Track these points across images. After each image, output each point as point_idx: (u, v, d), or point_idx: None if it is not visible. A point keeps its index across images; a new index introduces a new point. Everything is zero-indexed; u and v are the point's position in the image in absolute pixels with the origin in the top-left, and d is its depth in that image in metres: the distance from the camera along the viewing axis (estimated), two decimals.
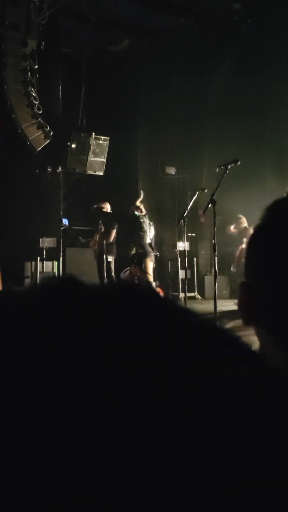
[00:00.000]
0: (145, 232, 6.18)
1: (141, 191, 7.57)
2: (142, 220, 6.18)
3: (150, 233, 6.45)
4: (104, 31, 9.68)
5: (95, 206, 6.74)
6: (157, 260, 9.96)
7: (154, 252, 6.23)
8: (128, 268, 9.98)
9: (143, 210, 6.46)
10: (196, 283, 9.50)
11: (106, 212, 6.77)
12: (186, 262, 5.84)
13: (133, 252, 6.17)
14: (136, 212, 6.23)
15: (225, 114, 9.58)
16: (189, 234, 10.18)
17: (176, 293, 9.37)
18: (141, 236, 6.12)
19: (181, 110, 10.65)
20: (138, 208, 6.42)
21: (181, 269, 9.19)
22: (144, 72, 10.36)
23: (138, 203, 6.55)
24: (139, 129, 10.52)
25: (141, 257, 6.02)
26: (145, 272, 5.93)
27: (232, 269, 8.04)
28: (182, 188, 10.31)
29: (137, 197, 6.74)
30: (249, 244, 0.69)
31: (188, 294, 5.80)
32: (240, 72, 9.30)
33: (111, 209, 7.69)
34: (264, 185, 8.64)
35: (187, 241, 9.80)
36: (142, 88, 10.47)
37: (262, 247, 0.67)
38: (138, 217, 6.16)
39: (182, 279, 6.03)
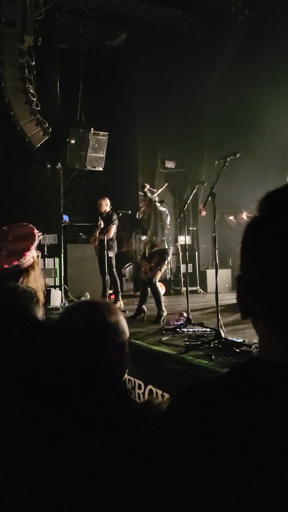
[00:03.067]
0: (168, 227, 6.15)
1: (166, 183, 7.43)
2: (166, 214, 6.11)
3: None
4: (101, 26, 9.64)
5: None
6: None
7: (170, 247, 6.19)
8: (130, 263, 10.02)
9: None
10: (198, 277, 9.51)
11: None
12: (187, 256, 5.82)
13: (155, 248, 5.98)
14: (161, 207, 6.10)
15: (224, 107, 9.54)
16: (190, 228, 10.21)
17: (178, 287, 9.39)
18: (167, 232, 6.06)
19: (179, 104, 10.62)
20: (162, 202, 6.32)
21: (183, 263, 9.20)
22: (142, 66, 10.33)
23: (155, 195, 6.44)
24: (138, 123, 10.50)
25: (162, 253, 5.94)
26: (159, 268, 5.86)
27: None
28: (182, 182, 10.30)
29: (158, 187, 6.61)
30: (244, 238, 0.69)
31: (190, 288, 5.80)
32: (238, 63, 9.25)
33: (111, 204, 7.69)
34: (265, 176, 8.62)
35: (188, 235, 9.82)
36: (140, 82, 10.44)
37: (256, 241, 0.67)
38: (162, 213, 6.07)
39: (183, 273, 6.01)
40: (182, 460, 0.65)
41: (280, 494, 0.58)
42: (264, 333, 0.68)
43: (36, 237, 2.24)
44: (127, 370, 1.45)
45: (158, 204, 6.04)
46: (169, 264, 6.04)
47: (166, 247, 5.94)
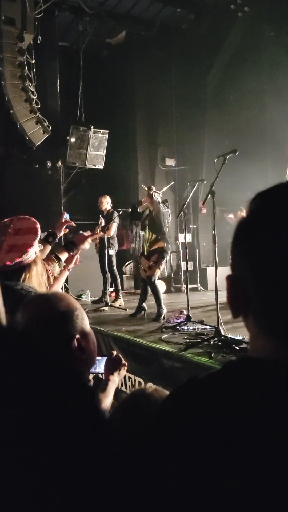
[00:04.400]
0: (168, 227, 6.16)
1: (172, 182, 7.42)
2: (169, 214, 6.12)
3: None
4: (101, 23, 9.62)
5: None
6: None
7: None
8: (131, 261, 10.02)
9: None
10: (198, 275, 9.51)
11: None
12: (187, 254, 5.83)
13: (154, 246, 5.98)
14: (164, 208, 6.10)
15: (224, 104, 9.53)
16: (190, 226, 10.21)
17: (179, 285, 9.40)
18: (167, 230, 6.07)
19: (179, 101, 10.61)
20: (165, 201, 6.33)
21: (183, 261, 9.21)
22: (141, 64, 10.31)
23: (160, 192, 6.44)
24: (138, 121, 10.48)
25: (161, 252, 5.94)
26: (158, 266, 5.87)
27: None
28: (182, 180, 10.30)
29: (160, 185, 6.62)
30: (234, 237, 0.70)
31: (190, 286, 5.80)
32: (238, 61, 9.23)
33: (112, 202, 7.70)
34: (265, 174, 8.60)
35: (188, 232, 9.82)
36: (140, 80, 10.42)
37: (246, 241, 0.68)
38: (164, 214, 6.08)
39: (184, 271, 6.01)
40: (175, 457, 0.67)
41: (271, 492, 0.59)
42: (255, 332, 0.69)
43: (39, 231, 2.22)
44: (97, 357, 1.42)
45: (161, 206, 6.04)
46: (167, 263, 6.01)
47: (165, 245, 5.94)
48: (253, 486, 0.60)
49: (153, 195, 6.02)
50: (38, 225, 2.17)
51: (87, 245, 2.70)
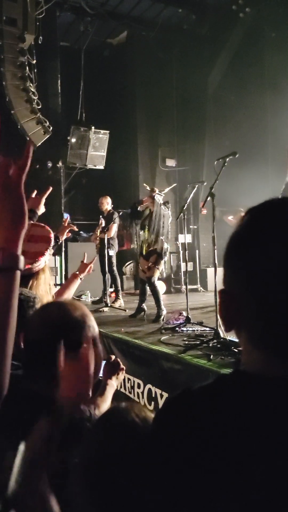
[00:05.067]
0: (169, 227, 6.15)
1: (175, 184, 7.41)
2: (169, 216, 6.13)
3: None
4: (102, 24, 9.63)
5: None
6: None
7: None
8: (131, 261, 10.03)
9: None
10: (198, 275, 9.52)
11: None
12: (187, 255, 5.83)
13: (153, 247, 5.99)
14: (165, 210, 6.11)
15: (225, 105, 9.53)
16: (191, 227, 10.21)
17: (179, 286, 9.41)
18: (167, 231, 6.07)
19: (180, 102, 10.61)
20: (166, 203, 6.33)
21: (183, 261, 9.22)
22: (142, 64, 10.31)
23: (163, 192, 6.44)
24: (138, 121, 10.48)
25: (162, 252, 5.94)
26: (157, 267, 5.87)
27: None
28: (183, 180, 10.30)
29: (161, 185, 6.62)
30: (226, 252, 0.71)
31: (191, 287, 5.81)
32: (239, 61, 9.23)
33: (112, 202, 7.71)
34: (265, 176, 8.60)
35: (188, 233, 9.82)
36: (141, 80, 10.42)
37: (235, 256, 0.69)
38: (167, 214, 6.08)
39: (183, 272, 6.01)
40: (169, 469, 0.67)
41: (262, 503, 0.60)
42: (247, 346, 0.70)
43: (52, 241, 2.23)
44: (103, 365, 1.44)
45: (162, 208, 6.05)
46: (166, 263, 6.01)
47: (164, 246, 5.94)
48: (243, 499, 0.60)
49: (155, 197, 6.03)
50: (52, 235, 2.17)
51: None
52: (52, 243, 2.16)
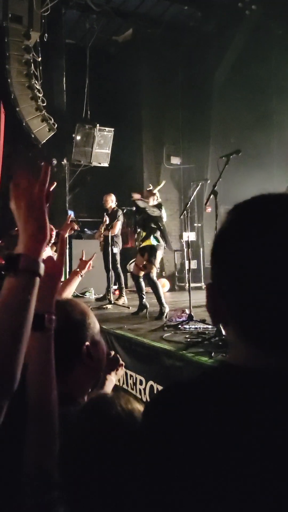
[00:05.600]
0: (163, 225, 6.15)
1: (164, 180, 7.51)
2: (156, 210, 6.12)
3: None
4: (107, 21, 9.63)
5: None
6: (164, 251, 10.00)
7: (165, 244, 6.19)
8: (135, 259, 10.04)
9: (159, 199, 6.37)
10: (202, 273, 9.51)
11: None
12: (190, 253, 5.83)
13: (144, 243, 6.04)
14: (152, 202, 6.14)
15: (231, 103, 9.49)
16: (195, 224, 10.21)
17: (183, 284, 9.41)
18: (160, 229, 6.07)
19: (186, 99, 10.59)
20: (154, 194, 6.33)
21: (187, 259, 9.22)
22: (148, 62, 10.29)
23: (155, 191, 6.46)
24: (143, 119, 10.48)
25: (154, 249, 5.96)
26: (152, 264, 5.90)
27: None
28: (187, 178, 10.29)
29: (157, 184, 6.66)
30: (213, 247, 0.72)
31: (194, 285, 5.80)
32: (245, 59, 9.19)
33: (116, 200, 7.71)
34: (270, 174, 8.58)
35: (193, 231, 9.81)
36: (146, 78, 10.41)
37: (221, 251, 0.70)
38: (158, 216, 6.10)
39: (187, 270, 6.03)
40: (156, 461, 0.68)
41: (247, 495, 0.61)
42: (233, 339, 0.71)
43: (53, 237, 2.26)
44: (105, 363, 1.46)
45: (149, 211, 6.08)
46: (169, 261, 6.05)
47: (154, 243, 5.97)
48: (231, 490, 0.61)
49: (137, 203, 6.10)
50: (54, 232, 2.20)
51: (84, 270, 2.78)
52: (53, 238, 2.19)
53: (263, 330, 0.66)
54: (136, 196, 6.25)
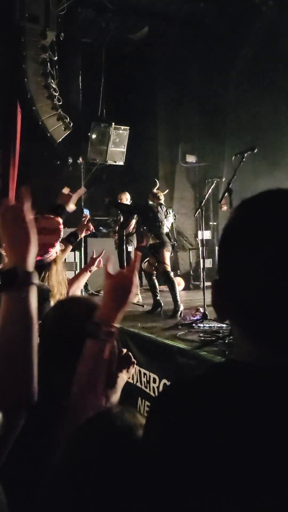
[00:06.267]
0: (161, 222, 6.14)
1: (156, 179, 7.58)
2: (157, 210, 6.14)
3: (167, 223, 6.40)
4: (123, 20, 9.62)
5: (108, 199, 6.80)
6: (180, 250, 9.97)
7: (171, 242, 6.19)
8: (148, 258, 10.04)
9: (161, 197, 6.39)
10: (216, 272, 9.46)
11: (119, 203, 6.80)
12: (204, 251, 5.81)
13: (151, 242, 6.15)
14: (150, 202, 6.20)
15: (247, 101, 9.41)
16: (210, 223, 10.15)
17: (198, 282, 9.37)
18: (157, 226, 6.10)
19: (201, 97, 10.51)
20: (155, 196, 6.36)
21: (202, 258, 9.18)
22: (163, 60, 10.27)
23: (155, 190, 6.50)
24: (159, 117, 10.45)
25: (158, 247, 5.99)
26: (162, 262, 5.92)
27: None
28: (203, 177, 10.24)
29: (153, 185, 6.72)
30: (219, 243, 0.71)
31: (208, 283, 5.77)
32: (261, 56, 9.10)
33: (131, 199, 7.72)
34: (286, 172, 8.48)
35: (208, 230, 9.75)
36: (161, 76, 10.38)
37: (227, 248, 0.69)
38: (151, 207, 6.13)
39: (202, 268, 6.01)
40: (163, 458, 0.68)
41: (253, 491, 0.60)
42: (239, 336, 0.70)
43: (62, 232, 2.27)
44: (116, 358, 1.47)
45: (157, 207, 6.13)
46: (184, 259, 6.09)
47: (157, 241, 6.01)
48: (237, 491, 0.61)
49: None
50: (62, 226, 2.22)
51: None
52: (62, 234, 2.20)
53: (266, 328, 0.65)
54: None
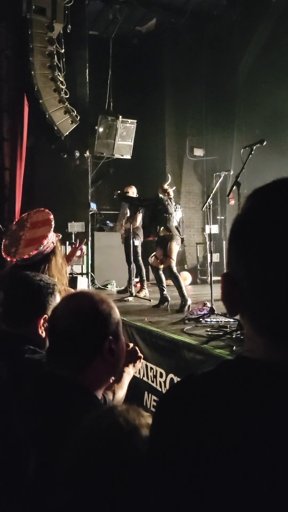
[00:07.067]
0: (170, 214, 6.10)
1: (169, 174, 7.54)
2: (167, 203, 6.10)
3: (176, 216, 6.36)
4: (130, 11, 9.54)
5: (118, 192, 6.79)
6: (187, 244, 9.93)
7: (180, 235, 6.15)
8: (155, 252, 10.02)
9: (171, 193, 6.36)
10: (225, 267, 9.42)
11: (129, 197, 6.78)
12: (212, 246, 5.77)
13: (160, 234, 6.11)
14: (160, 195, 6.16)
15: (256, 93, 9.31)
16: (218, 217, 10.10)
17: (205, 277, 9.34)
18: (167, 218, 6.06)
19: (209, 90, 10.44)
20: (165, 191, 6.33)
21: (209, 252, 9.15)
22: (171, 52, 10.19)
23: (165, 186, 6.47)
24: (166, 111, 10.39)
25: (168, 239, 5.96)
26: (169, 256, 5.88)
27: None
28: (210, 170, 10.18)
29: (165, 180, 6.69)
30: (229, 235, 0.68)
31: (216, 278, 5.74)
32: (270, 48, 8.99)
33: (138, 192, 7.68)
34: None
35: (216, 224, 9.71)
36: (169, 68, 10.31)
37: (238, 240, 0.66)
38: (162, 200, 6.09)
39: (209, 263, 5.97)
40: (171, 456, 0.66)
41: (266, 489, 0.58)
42: (249, 331, 0.67)
43: (53, 222, 2.26)
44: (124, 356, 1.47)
45: (167, 201, 6.09)
46: (191, 253, 6.01)
47: (167, 233, 5.97)
48: (246, 487, 0.59)
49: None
50: (52, 216, 2.21)
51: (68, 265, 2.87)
52: (53, 223, 2.19)
53: (277, 323, 0.62)
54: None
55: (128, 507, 0.74)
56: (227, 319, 4.74)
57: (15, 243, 2.14)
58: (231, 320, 4.65)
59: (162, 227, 6.00)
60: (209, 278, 5.73)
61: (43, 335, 1.73)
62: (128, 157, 9.67)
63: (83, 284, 7.78)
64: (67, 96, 8.35)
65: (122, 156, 9.64)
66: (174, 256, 5.92)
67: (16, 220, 2.30)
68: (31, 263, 2.16)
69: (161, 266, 6.10)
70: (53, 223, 2.18)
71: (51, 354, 1.34)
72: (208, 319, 4.88)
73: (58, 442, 0.90)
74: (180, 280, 5.84)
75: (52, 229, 2.15)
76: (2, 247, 2.16)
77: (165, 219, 6.01)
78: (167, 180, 6.73)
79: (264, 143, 4.18)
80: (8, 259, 2.11)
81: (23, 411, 1.25)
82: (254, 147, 4.18)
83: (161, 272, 6.13)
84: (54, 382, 1.25)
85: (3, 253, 2.14)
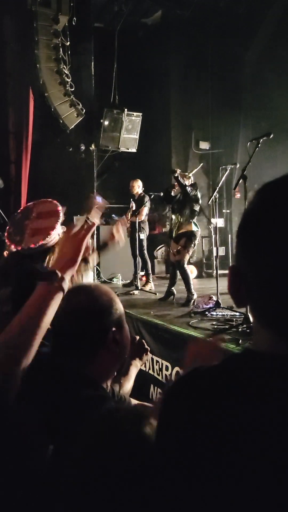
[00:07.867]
0: (197, 210, 6.03)
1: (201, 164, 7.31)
2: (198, 198, 6.00)
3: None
4: (136, 3, 9.47)
5: (179, 171, 6.26)
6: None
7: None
8: (162, 245, 10.01)
9: (192, 182, 6.24)
10: (230, 260, 9.40)
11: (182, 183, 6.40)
12: (218, 239, 5.75)
13: (182, 229, 5.91)
14: (192, 191, 5.99)
15: (262, 86, 9.24)
16: (223, 211, 10.06)
17: (210, 270, 9.33)
18: (196, 213, 5.96)
19: (215, 83, 10.35)
20: (187, 178, 6.20)
21: (215, 246, 9.13)
22: (177, 44, 10.10)
23: (190, 174, 6.35)
24: (172, 104, 10.33)
25: (194, 235, 5.88)
26: (186, 251, 5.82)
27: None
28: (216, 163, 10.12)
29: (192, 168, 6.54)
30: (238, 228, 0.69)
31: (221, 272, 5.74)
32: (277, 40, 8.90)
33: (143, 186, 7.67)
34: None
35: (222, 217, 9.68)
36: (175, 61, 10.22)
37: (245, 233, 0.66)
38: (196, 184, 5.97)
39: (215, 256, 5.95)
40: (178, 450, 0.67)
41: (270, 483, 0.58)
42: (256, 325, 0.68)
43: (61, 214, 2.26)
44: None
45: (189, 189, 5.94)
46: (196, 246, 5.93)
47: (194, 229, 5.87)
48: (254, 481, 0.59)
49: (178, 178, 5.93)
50: (60, 208, 2.19)
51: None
52: (61, 216, 2.17)
53: (281, 316, 0.62)
54: (179, 170, 6.14)
55: (133, 501, 0.75)
56: (232, 313, 4.74)
57: (20, 232, 2.13)
58: (237, 313, 4.66)
59: (190, 220, 5.89)
60: (214, 271, 5.73)
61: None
62: (134, 150, 9.64)
63: (88, 277, 7.77)
64: (73, 89, 8.33)
65: (128, 149, 9.61)
66: (191, 251, 5.90)
67: (21, 208, 2.27)
68: (35, 253, 2.16)
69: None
70: (61, 214, 2.16)
71: (56, 349, 1.35)
72: (214, 313, 4.88)
73: (69, 434, 0.90)
74: (189, 275, 5.84)
75: (60, 221, 2.14)
76: (5, 234, 2.15)
77: (194, 212, 5.94)
78: (196, 168, 6.59)
79: (271, 136, 4.15)
80: (13, 247, 2.11)
81: (35, 403, 1.27)
82: (261, 140, 4.16)
83: (177, 269, 6.03)
84: (63, 374, 1.26)
85: (7, 241, 2.13)
